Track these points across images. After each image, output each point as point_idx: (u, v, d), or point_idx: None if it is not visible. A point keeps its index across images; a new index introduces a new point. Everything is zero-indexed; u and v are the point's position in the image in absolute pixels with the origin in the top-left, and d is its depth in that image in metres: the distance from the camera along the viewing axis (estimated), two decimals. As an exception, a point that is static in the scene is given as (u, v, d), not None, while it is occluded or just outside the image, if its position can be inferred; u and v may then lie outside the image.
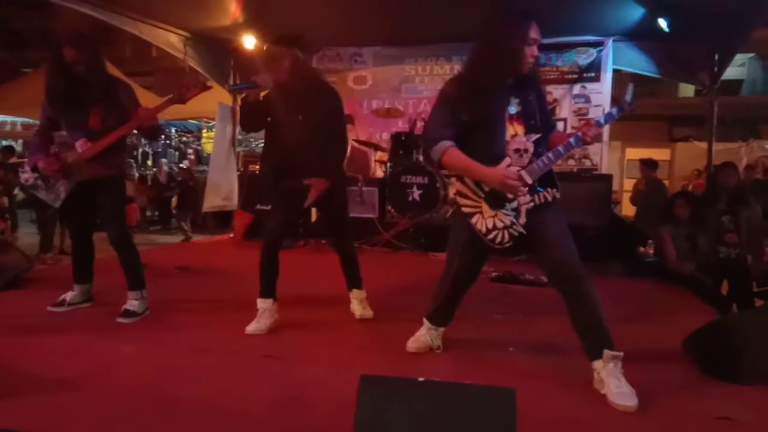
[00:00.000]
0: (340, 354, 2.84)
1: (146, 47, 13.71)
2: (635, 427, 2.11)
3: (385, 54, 7.91)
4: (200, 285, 4.37)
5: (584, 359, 2.42)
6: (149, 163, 15.74)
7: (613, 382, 2.26)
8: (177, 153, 16.63)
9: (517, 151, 2.40)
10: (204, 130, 15.19)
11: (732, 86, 14.94)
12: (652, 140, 15.29)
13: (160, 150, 15.66)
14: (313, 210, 4.42)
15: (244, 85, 3.36)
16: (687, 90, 14.73)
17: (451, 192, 2.62)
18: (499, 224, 2.43)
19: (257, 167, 7.26)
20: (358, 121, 7.78)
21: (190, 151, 16.79)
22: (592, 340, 2.37)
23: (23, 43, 17.29)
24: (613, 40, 6.96)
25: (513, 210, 2.42)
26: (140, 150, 15.55)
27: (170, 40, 6.92)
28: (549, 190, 2.43)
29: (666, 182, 10.14)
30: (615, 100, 7.33)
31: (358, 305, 3.42)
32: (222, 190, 7.93)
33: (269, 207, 3.54)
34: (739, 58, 14.05)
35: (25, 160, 3.45)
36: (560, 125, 6.86)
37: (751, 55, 15.63)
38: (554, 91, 7.18)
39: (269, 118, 3.15)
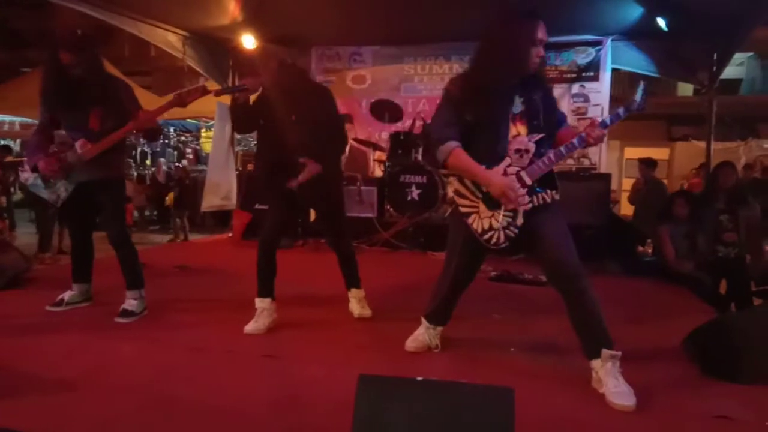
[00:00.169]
0: (338, 353, 2.84)
1: (145, 47, 13.69)
2: (634, 426, 2.11)
3: (385, 53, 7.90)
4: (199, 284, 4.37)
5: (582, 358, 2.42)
6: (148, 162, 15.73)
7: (611, 382, 2.26)
8: (176, 152, 16.61)
9: (518, 151, 2.39)
10: (203, 130, 15.18)
11: (731, 85, 14.95)
12: (650, 139, 15.28)
13: (158, 150, 15.66)
14: (312, 210, 4.42)
15: (232, 89, 3.35)
16: (686, 89, 14.74)
17: (450, 191, 2.61)
18: (496, 225, 2.42)
19: (256, 167, 7.25)
20: (357, 121, 7.78)
21: (188, 150, 16.79)
22: (591, 340, 2.37)
23: (23, 43, 17.26)
24: (612, 40, 6.96)
25: (510, 211, 2.41)
26: (139, 150, 15.56)
27: (169, 39, 6.92)
28: (548, 191, 2.41)
29: (665, 181, 10.13)
30: (615, 99, 7.34)
31: (356, 304, 3.42)
32: (221, 189, 7.91)
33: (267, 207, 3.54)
34: (738, 57, 14.04)
35: (23, 159, 3.44)
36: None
37: (750, 54, 15.64)
38: (553, 91, 7.17)
39: (261, 121, 3.16)
